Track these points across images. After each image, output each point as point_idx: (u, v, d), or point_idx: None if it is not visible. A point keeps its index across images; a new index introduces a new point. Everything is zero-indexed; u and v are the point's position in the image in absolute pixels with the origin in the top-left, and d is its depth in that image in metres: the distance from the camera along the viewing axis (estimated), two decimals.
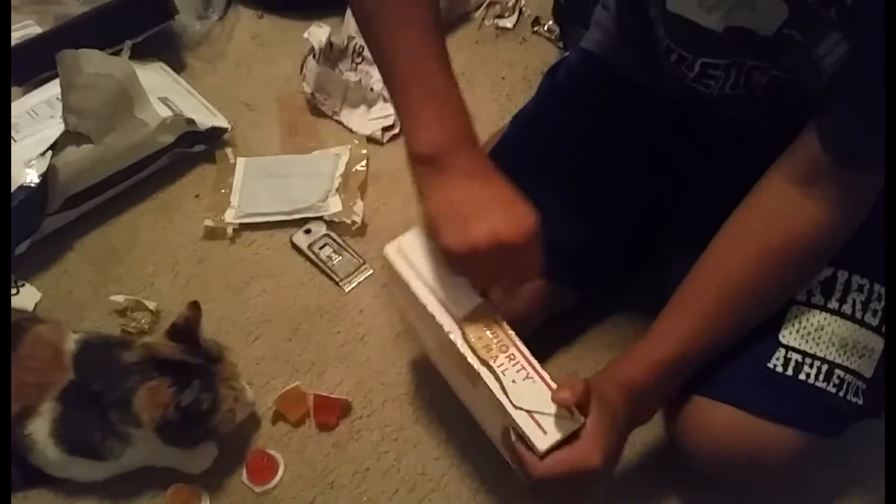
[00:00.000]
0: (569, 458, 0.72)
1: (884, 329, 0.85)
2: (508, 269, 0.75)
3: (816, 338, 0.82)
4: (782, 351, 0.82)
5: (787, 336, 0.82)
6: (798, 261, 0.77)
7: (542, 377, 0.76)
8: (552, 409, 0.73)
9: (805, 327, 0.82)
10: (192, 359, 0.93)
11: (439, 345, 0.83)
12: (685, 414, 0.85)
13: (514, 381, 0.76)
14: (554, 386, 0.75)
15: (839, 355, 0.82)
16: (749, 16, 0.72)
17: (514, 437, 0.75)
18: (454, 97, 0.74)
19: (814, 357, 0.82)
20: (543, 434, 0.73)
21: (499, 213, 0.71)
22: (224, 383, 0.94)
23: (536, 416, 0.74)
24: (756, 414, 0.81)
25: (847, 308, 0.83)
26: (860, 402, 0.83)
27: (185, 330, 0.95)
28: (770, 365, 0.81)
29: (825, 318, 0.83)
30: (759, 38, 0.73)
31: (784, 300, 0.82)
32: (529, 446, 0.73)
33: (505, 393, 0.75)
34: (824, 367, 0.81)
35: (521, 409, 0.74)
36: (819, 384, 0.81)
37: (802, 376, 0.81)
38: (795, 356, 0.81)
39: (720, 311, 0.78)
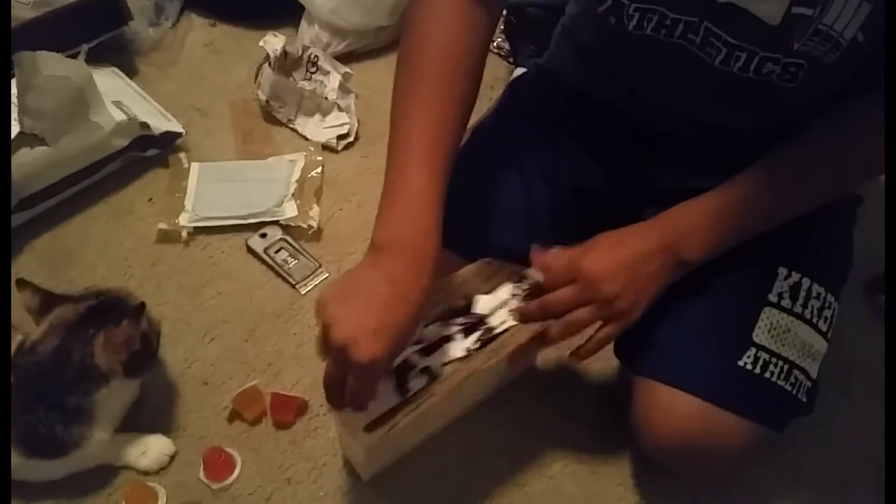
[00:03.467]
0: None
1: (829, 334, 0.93)
2: (348, 375, 0.76)
3: (784, 339, 0.89)
4: (753, 350, 0.88)
5: (760, 336, 0.88)
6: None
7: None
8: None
9: (776, 328, 0.89)
10: (92, 301, 0.96)
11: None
12: (651, 401, 0.90)
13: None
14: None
15: (798, 356, 0.89)
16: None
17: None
18: (427, 199, 0.77)
19: (779, 357, 0.88)
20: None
21: (366, 323, 0.72)
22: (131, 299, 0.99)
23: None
24: (723, 407, 0.86)
25: (807, 313, 0.91)
26: (805, 399, 0.90)
27: (45, 299, 0.96)
28: (740, 363, 0.87)
29: (792, 322, 0.90)
30: (767, 27, 0.74)
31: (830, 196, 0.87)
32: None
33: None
34: (786, 367, 0.88)
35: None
36: (780, 382, 0.88)
37: (767, 374, 0.88)
38: (764, 355, 0.88)
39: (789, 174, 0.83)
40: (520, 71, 1.32)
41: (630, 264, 0.82)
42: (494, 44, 1.59)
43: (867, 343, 1.17)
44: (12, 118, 1.19)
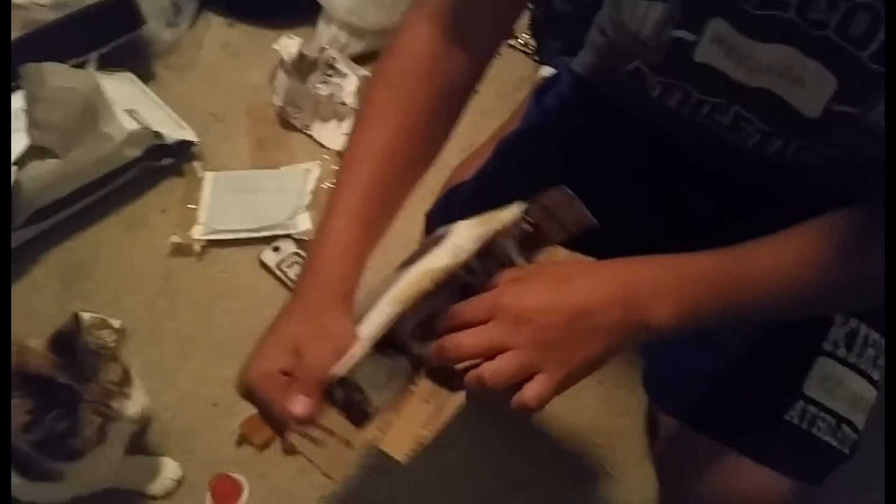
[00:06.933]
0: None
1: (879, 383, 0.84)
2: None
3: (835, 392, 0.81)
4: (801, 403, 0.80)
5: (811, 388, 0.80)
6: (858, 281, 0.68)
7: None
8: None
9: (829, 380, 0.81)
10: (60, 376, 0.87)
11: None
12: (681, 448, 0.83)
13: None
14: None
15: (848, 410, 0.81)
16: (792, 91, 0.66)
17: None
18: (355, 252, 0.65)
19: (828, 410, 0.80)
20: None
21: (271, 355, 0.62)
22: (90, 406, 0.88)
23: None
24: (762, 463, 0.79)
25: (862, 363, 0.82)
26: (848, 453, 0.83)
27: (66, 341, 0.89)
28: (787, 417, 0.80)
29: (846, 373, 0.81)
30: (805, 118, 0.67)
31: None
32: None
33: None
34: (834, 422, 0.80)
35: None
36: (826, 438, 0.80)
37: (815, 430, 0.80)
38: (812, 409, 0.80)
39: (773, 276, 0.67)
40: (546, 70, 1.25)
41: (570, 309, 0.62)
42: (521, 41, 1.53)
43: None
44: (20, 131, 1.17)
